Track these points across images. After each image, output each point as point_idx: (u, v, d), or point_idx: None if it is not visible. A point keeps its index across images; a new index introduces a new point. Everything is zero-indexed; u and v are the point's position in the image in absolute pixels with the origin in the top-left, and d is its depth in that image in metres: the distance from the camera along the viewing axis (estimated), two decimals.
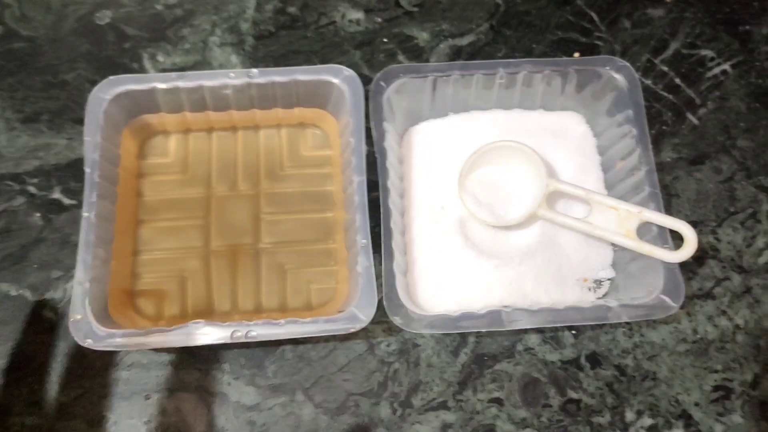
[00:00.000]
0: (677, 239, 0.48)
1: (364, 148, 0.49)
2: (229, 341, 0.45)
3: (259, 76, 0.52)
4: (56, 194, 0.54)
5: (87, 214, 0.47)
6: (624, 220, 0.49)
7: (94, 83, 0.56)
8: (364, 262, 0.47)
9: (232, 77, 0.51)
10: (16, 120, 0.57)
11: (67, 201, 0.54)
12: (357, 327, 0.45)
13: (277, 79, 0.52)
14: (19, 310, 0.51)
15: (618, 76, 0.53)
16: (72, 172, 0.55)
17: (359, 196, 0.48)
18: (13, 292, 0.52)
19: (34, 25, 0.60)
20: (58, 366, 0.50)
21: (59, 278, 0.52)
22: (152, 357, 0.50)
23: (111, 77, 0.51)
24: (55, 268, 0.52)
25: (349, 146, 0.50)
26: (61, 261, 0.53)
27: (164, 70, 0.58)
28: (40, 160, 0.55)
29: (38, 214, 0.54)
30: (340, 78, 0.51)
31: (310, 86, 0.52)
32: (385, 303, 0.46)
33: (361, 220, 0.48)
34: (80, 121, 0.56)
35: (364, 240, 0.47)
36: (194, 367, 0.50)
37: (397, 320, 0.46)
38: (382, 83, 0.52)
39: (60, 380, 0.50)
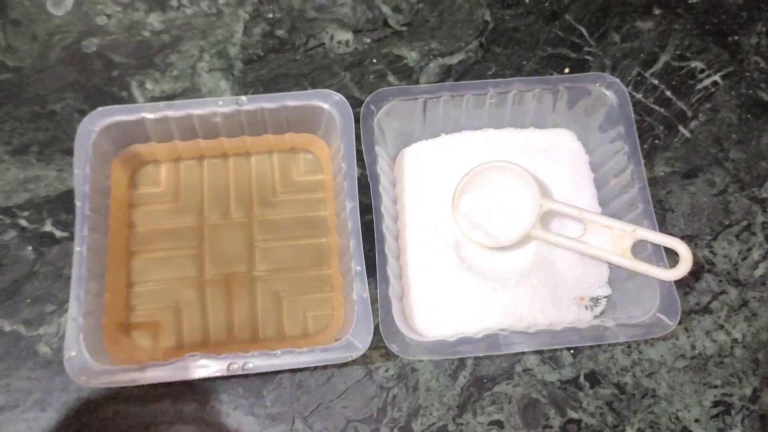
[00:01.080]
0: (672, 255, 0.48)
1: (356, 172, 0.49)
2: (225, 374, 0.45)
3: (248, 103, 0.51)
4: (48, 227, 0.54)
5: (79, 248, 0.47)
6: (618, 239, 0.49)
7: (82, 113, 0.56)
8: (359, 289, 0.46)
9: (221, 105, 0.51)
10: (4, 152, 0.56)
11: (59, 233, 0.54)
12: (354, 356, 0.45)
13: (267, 105, 0.51)
14: (13, 345, 0.51)
15: (608, 93, 0.52)
16: (63, 203, 0.55)
17: (352, 222, 0.48)
18: (7, 328, 0.51)
19: (20, 56, 0.59)
20: (55, 402, 0.50)
21: (53, 312, 0.52)
22: (149, 390, 0.50)
23: (99, 108, 0.50)
24: (49, 302, 0.52)
25: (341, 171, 0.50)
26: (54, 294, 0.52)
27: (153, 98, 0.58)
28: (30, 192, 0.55)
29: (30, 248, 0.54)
30: (329, 103, 0.51)
31: (300, 111, 0.52)
32: (381, 330, 0.46)
33: (355, 246, 0.48)
34: (70, 152, 0.56)
35: (359, 267, 0.47)
36: (192, 398, 0.50)
37: (394, 347, 0.45)
38: (372, 107, 0.52)
39: (57, 416, 0.49)
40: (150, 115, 0.51)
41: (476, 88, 0.53)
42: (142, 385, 0.50)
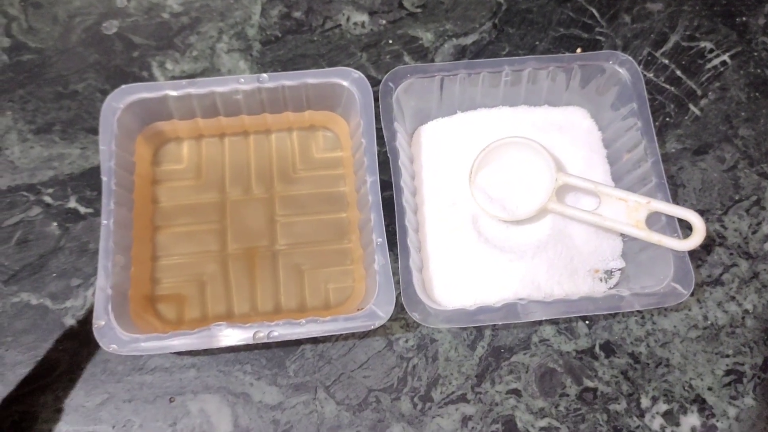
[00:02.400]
0: (685, 228, 0.49)
1: (375, 148, 0.50)
2: (251, 342, 0.46)
3: (269, 80, 0.52)
4: (72, 203, 0.55)
5: (105, 221, 0.48)
6: (633, 211, 0.50)
7: (104, 92, 0.58)
8: (381, 260, 0.48)
9: (243, 83, 0.52)
10: (28, 131, 0.57)
11: (83, 210, 0.55)
12: (377, 324, 0.46)
13: (287, 83, 0.52)
14: (40, 318, 0.52)
15: (621, 70, 0.54)
16: (87, 180, 0.56)
17: (373, 196, 0.49)
18: (34, 301, 0.52)
19: (42, 37, 0.60)
20: (82, 372, 0.51)
21: (79, 286, 0.53)
22: (174, 360, 0.51)
23: (123, 86, 0.51)
24: (74, 276, 0.53)
25: (360, 147, 0.51)
26: (79, 269, 0.53)
27: (173, 78, 0.59)
28: (55, 170, 0.56)
29: (55, 224, 0.55)
30: (349, 80, 0.52)
31: (320, 89, 0.53)
32: (403, 299, 0.47)
33: (376, 219, 0.49)
34: (92, 131, 0.57)
35: (380, 238, 0.48)
36: (216, 368, 0.51)
37: (415, 316, 0.46)
38: (391, 84, 0.53)
39: (84, 386, 0.50)
40: (173, 93, 0.52)
41: (492, 66, 0.54)
42: (168, 356, 0.51)
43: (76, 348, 0.51)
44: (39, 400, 0.50)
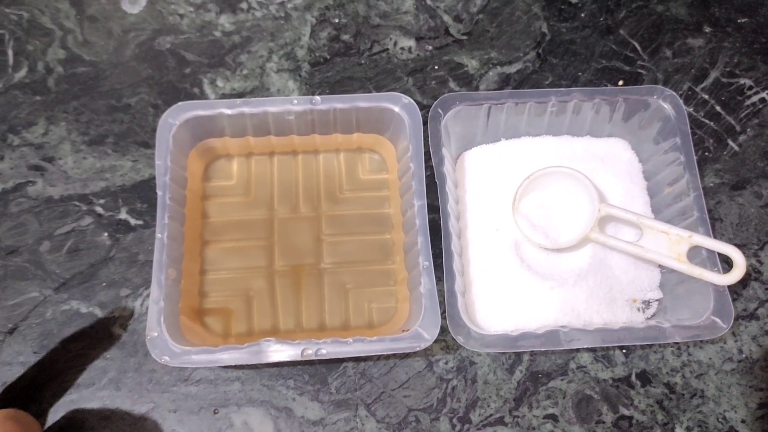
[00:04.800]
0: (722, 262, 0.50)
1: (424, 172, 0.52)
2: (299, 359, 0.47)
3: (321, 103, 0.54)
4: (123, 215, 0.56)
5: (160, 235, 0.49)
6: (675, 244, 0.51)
7: (156, 107, 0.59)
8: (427, 283, 0.49)
9: (295, 104, 0.54)
10: (81, 142, 0.59)
11: (133, 221, 0.56)
12: (422, 346, 0.47)
13: (338, 105, 0.54)
14: (89, 326, 0.53)
15: (665, 105, 0.55)
16: (138, 193, 0.57)
17: (420, 219, 0.50)
18: (84, 310, 0.54)
19: (97, 50, 0.62)
20: (129, 381, 0.52)
21: (128, 296, 0.54)
22: (219, 373, 0.52)
23: (179, 103, 0.53)
24: (124, 286, 0.54)
25: (408, 171, 0.52)
26: (129, 279, 0.55)
27: (224, 95, 0.61)
28: (106, 181, 0.58)
29: (106, 234, 0.56)
30: (399, 106, 0.54)
31: (370, 113, 0.54)
32: (448, 322, 0.48)
33: (423, 242, 0.50)
34: (144, 144, 0.58)
35: (426, 262, 0.49)
36: (260, 383, 0.52)
37: (460, 339, 0.47)
38: (440, 110, 0.54)
39: (130, 395, 0.52)
40: (227, 111, 0.53)
41: (538, 96, 0.55)
42: (213, 368, 0.53)
43: (123, 357, 0.53)
44: (86, 407, 0.51)
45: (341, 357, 0.47)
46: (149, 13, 0.64)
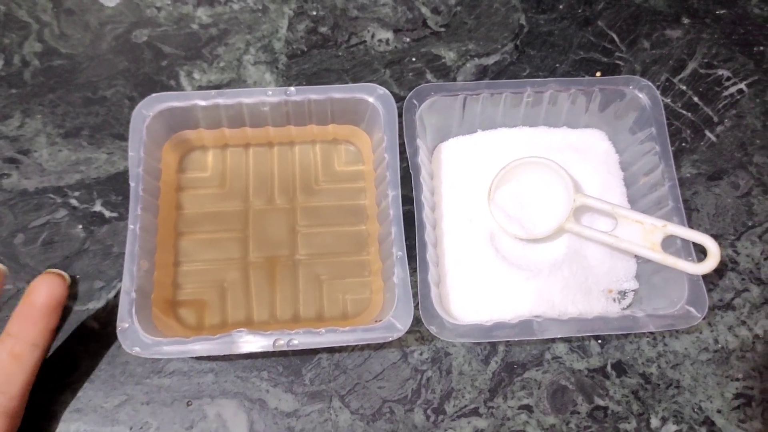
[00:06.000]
0: (699, 252, 0.50)
1: (398, 163, 0.51)
2: (271, 349, 0.46)
3: (296, 94, 0.53)
4: (97, 207, 0.56)
5: (132, 226, 0.49)
6: (649, 233, 0.51)
7: (132, 100, 0.59)
8: (400, 273, 0.48)
9: (270, 95, 0.53)
10: (57, 135, 0.58)
11: (108, 213, 0.56)
12: (394, 336, 0.47)
13: (313, 96, 0.53)
14: (62, 319, 0.53)
15: (641, 95, 0.55)
16: (112, 185, 0.57)
17: (394, 210, 0.50)
18: None
19: (73, 43, 0.62)
20: (102, 373, 0.52)
21: (102, 288, 0.54)
22: (193, 365, 0.52)
23: (153, 95, 0.53)
24: (98, 278, 0.54)
25: (383, 162, 0.52)
26: (103, 271, 0.54)
27: (200, 87, 0.60)
28: (81, 173, 0.57)
29: (80, 227, 0.56)
30: (374, 96, 0.53)
31: (345, 104, 0.54)
32: (420, 313, 0.48)
33: (396, 232, 0.50)
34: (120, 137, 0.58)
35: (399, 252, 0.49)
36: (234, 374, 0.52)
37: (432, 329, 0.47)
38: (415, 101, 0.54)
39: (103, 387, 0.51)
40: (202, 102, 0.53)
41: (514, 87, 0.55)
42: (186, 360, 0.52)
43: (96, 349, 0.52)
44: (58, 399, 0.51)
45: (314, 347, 0.47)
46: (126, 5, 0.63)
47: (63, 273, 0.48)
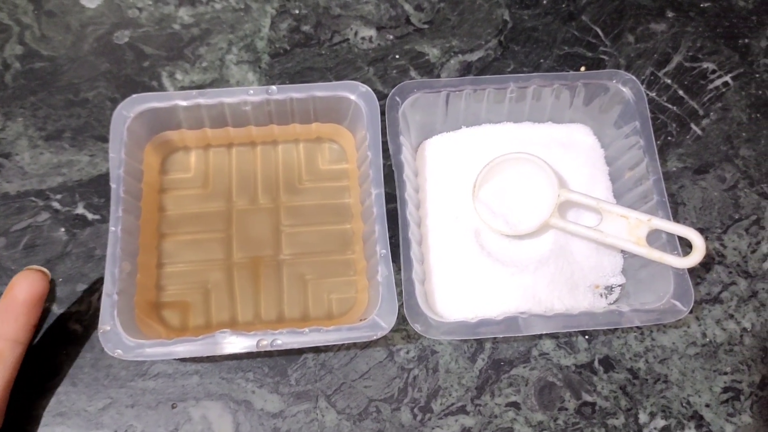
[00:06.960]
0: (685, 246, 0.49)
1: (381, 161, 0.51)
2: (254, 350, 0.46)
3: (277, 92, 0.53)
4: (80, 209, 0.56)
5: (114, 228, 0.49)
6: (634, 228, 0.51)
7: (114, 101, 0.59)
8: (384, 271, 0.48)
9: (252, 94, 0.53)
10: (39, 138, 0.58)
11: (90, 216, 0.56)
12: (379, 334, 0.46)
13: (295, 95, 0.53)
14: (45, 322, 0.52)
15: (624, 89, 0.54)
16: (95, 187, 0.56)
17: (378, 208, 0.50)
18: None
19: (54, 45, 0.61)
20: (85, 377, 0.51)
21: (84, 291, 0.53)
22: (177, 367, 0.52)
23: (134, 95, 0.52)
24: (80, 281, 0.54)
25: (366, 160, 0.52)
26: (85, 274, 0.54)
27: (183, 88, 0.60)
28: (63, 176, 0.57)
29: (62, 230, 0.55)
30: (356, 94, 0.53)
31: (327, 102, 0.54)
32: (405, 311, 0.47)
33: (380, 230, 0.49)
34: (102, 138, 0.58)
35: (383, 250, 0.49)
36: (219, 376, 0.51)
37: (417, 327, 0.47)
38: (397, 98, 0.54)
39: (87, 391, 0.51)
40: (183, 103, 0.53)
41: (497, 82, 0.54)
42: (171, 362, 0.52)
43: (79, 353, 0.52)
44: (41, 403, 0.50)
45: (298, 347, 0.46)
46: (107, 6, 0.63)
47: (43, 269, 0.48)
